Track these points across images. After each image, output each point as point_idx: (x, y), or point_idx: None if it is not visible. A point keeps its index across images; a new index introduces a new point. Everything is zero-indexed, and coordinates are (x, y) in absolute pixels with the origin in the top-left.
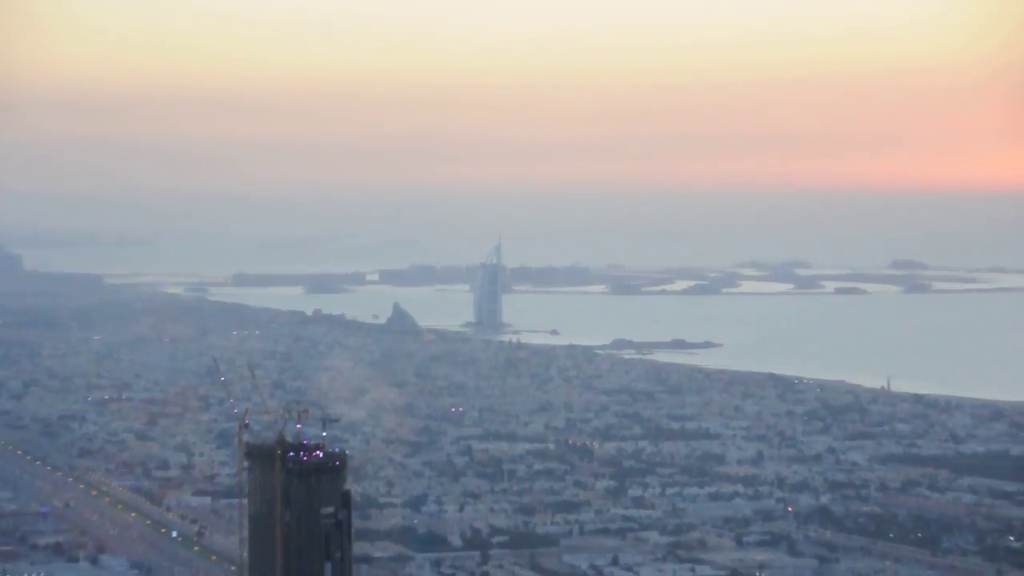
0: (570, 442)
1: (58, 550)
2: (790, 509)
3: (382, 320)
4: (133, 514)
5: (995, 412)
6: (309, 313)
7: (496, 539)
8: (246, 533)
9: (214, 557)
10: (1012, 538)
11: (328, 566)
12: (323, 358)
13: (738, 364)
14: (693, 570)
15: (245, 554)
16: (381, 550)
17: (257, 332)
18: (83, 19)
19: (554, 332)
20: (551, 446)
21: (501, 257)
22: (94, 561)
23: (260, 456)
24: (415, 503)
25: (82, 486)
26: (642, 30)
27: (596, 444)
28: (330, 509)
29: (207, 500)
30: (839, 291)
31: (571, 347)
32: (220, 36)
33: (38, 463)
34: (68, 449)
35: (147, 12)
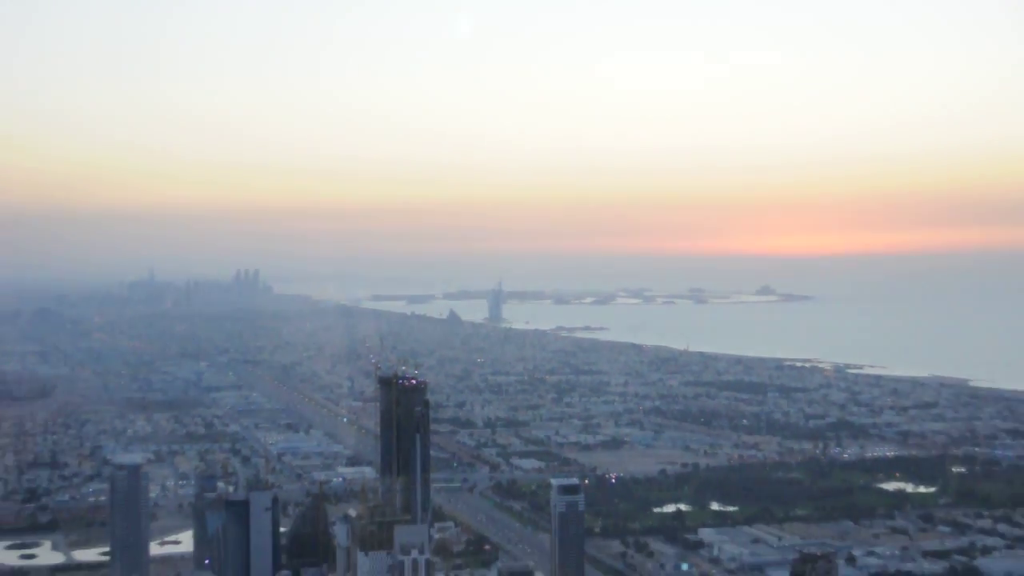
0: (535, 376)
1: (290, 427)
2: (641, 408)
3: (444, 317)
4: (325, 410)
5: (738, 360)
6: (408, 314)
7: (499, 422)
8: (379, 419)
9: (364, 431)
10: (744, 420)
11: (418, 436)
12: (415, 336)
13: (616, 338)
14: (595, 436)
15: (378, 430)
16: (443, 428)
17: (383, 323)
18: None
19: (527, 323)
20: (525, 378)
21: (502, 286)
22: (307, 432)
23: (386, 382)
24: (459, 405)
25: (301, 396)
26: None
27: (548, 377)
28: (419, 408)
29: (362, 405)
30: (663, 303)
31: (536, 330)
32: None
33: (280, 385)
34: (294, 379)
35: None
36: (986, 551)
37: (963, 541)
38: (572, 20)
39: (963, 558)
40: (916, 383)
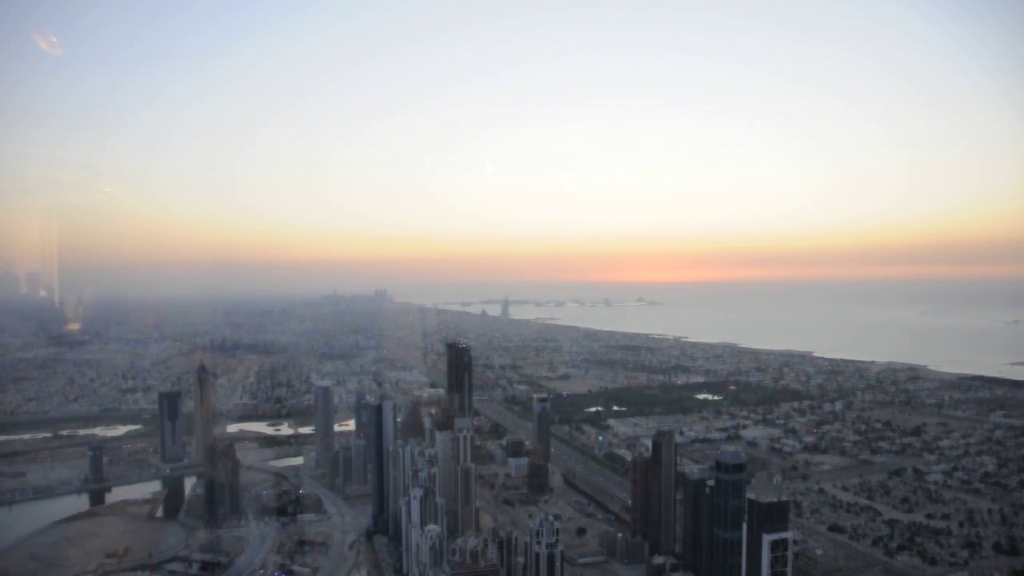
0: (525, 343)
1: (401, 368)
2: (579, 359)
3: (479, 313)
4: (419, 359)
5: (625, 334)
6: (460, 311)
7: (506, 366)
8: (447, 364)
9: (439, 370)
10: (630, 364)
11: (466, 373)
12: (463, 323)
13: (566, 324)
14: (555, 372)
15: (446, 370)
16: (478, 369)
17: (447, 317)
18: None
19: (521, 316)
20: (520, 344)
21: (508, 297)
22: (409, 370)
23: (449, 345)
24: (487, 357)
25: (406, 353)
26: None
27: (531, 343)
28: (466, 358)
29: (437, 357)
30: (590, 306)
31: (525, 320)
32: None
33: (396, 347)
34: (403, 344)
35: None
36: (744, 427)
37: (735, 422)
38: (534, 155)
39: (735, 430)
40: (712, 345)
